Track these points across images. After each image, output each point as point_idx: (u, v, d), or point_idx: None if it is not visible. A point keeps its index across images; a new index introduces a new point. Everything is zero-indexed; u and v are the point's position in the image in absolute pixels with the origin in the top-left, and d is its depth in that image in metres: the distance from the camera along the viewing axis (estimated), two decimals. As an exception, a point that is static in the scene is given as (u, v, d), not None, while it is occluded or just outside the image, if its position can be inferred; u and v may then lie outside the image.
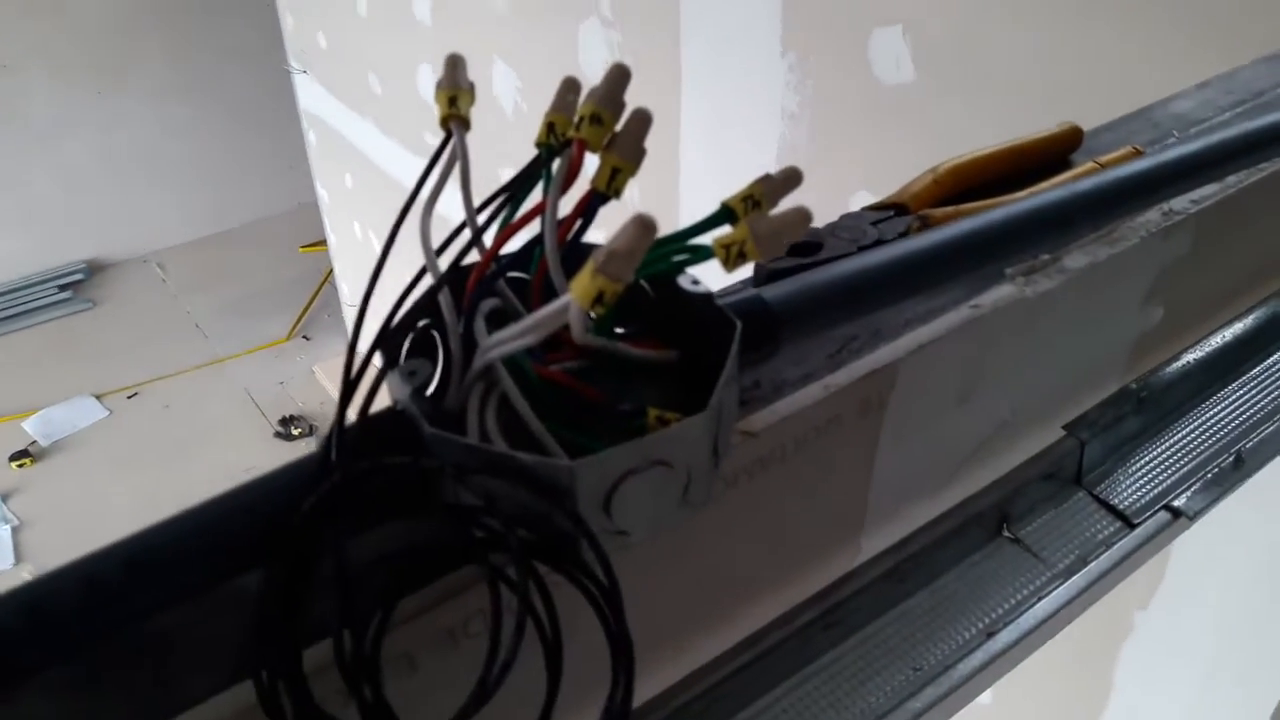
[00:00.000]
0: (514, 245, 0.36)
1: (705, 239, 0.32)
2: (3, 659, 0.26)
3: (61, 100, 4.48)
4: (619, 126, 0.33)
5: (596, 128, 0.32)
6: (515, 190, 0.35)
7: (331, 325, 4.38)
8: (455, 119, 0.35)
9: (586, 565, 0.30)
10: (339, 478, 0.29)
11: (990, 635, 0.46)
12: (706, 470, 0.32)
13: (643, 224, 0.25)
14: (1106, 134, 0.60)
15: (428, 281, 0.34)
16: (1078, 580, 0.48)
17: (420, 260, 0.35)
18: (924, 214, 0.48)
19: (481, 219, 0.35)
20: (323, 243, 4.25)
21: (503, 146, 2.52)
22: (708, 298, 0.34)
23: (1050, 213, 0.44)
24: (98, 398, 4.15)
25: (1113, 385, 0.55)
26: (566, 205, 0.34)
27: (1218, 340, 0.58)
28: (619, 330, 0.38)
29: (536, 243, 0.35)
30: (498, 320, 0.35)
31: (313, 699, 0.28)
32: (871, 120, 1.59)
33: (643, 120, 0.32)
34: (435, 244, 0.34)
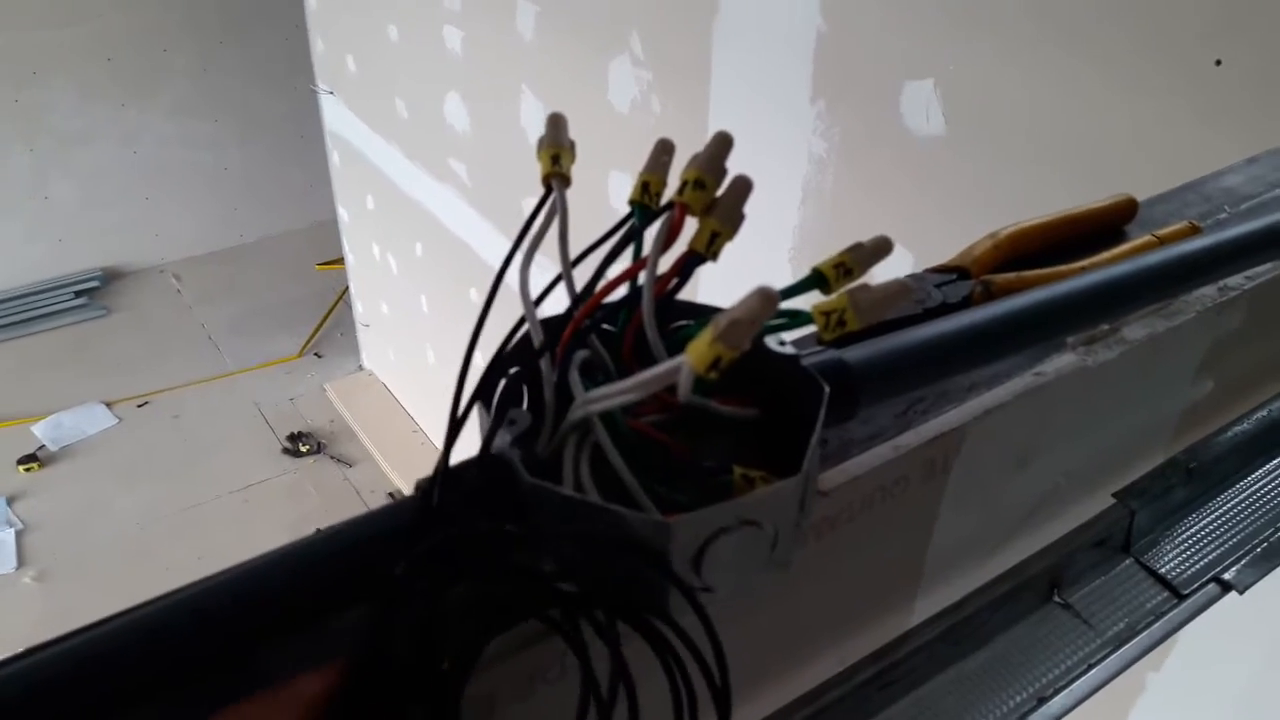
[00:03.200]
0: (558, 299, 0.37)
1: (798, 302, 0.33)
2: (119, 682, 0.27)
3: (86, 110, 4.52)
4: (719, 192, 0.34)
5: (699, 192, 0.33)
6: (612, 246, 0.36)
7: (344, 344, 4.39)
8: (557, 176, 0.36)
9: (677, 623, 0.30)
10: (441, 537, 0.30)
11: (1041, 701, 0.47)
12: (792, 531, 0.33)
13: (765, 296, 0.25)
14: (1160, 206, 0.61)
15: (522, 330, 0.35)
16: (1128, 650, 0.48)
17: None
18: (986, 279, 0.49)
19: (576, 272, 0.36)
20: (339, 261, 4.27)
21: (526, 175, 2.54)
22: (794, 359, 0.35)
23: (1118, 286, 0.45)
24: (108, 405, 4.15)
25: (1160, 454, 0.56)
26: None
27: (1265, 413, 0.59)
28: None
29: (624, 300, 0.36)
30: (587, 370, 0.36)
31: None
32: (898, 169, 1.60)
33: (744, 187, 0.33)
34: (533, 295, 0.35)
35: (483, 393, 0.35)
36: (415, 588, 0.29)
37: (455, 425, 0.32)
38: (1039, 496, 0.51)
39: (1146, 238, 0.54)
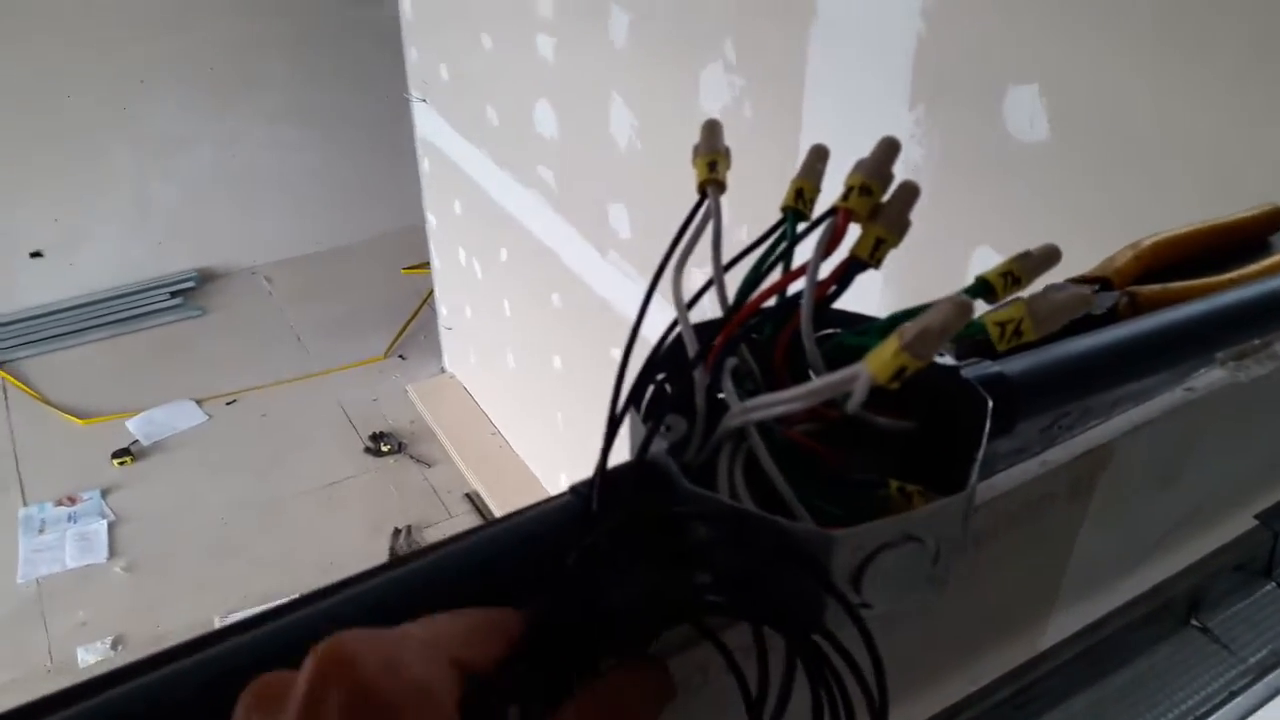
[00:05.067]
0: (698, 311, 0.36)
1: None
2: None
3: (187, 118, 4.68)
4: (884, 198, 0.33)
5: (865, 198, 0.33)
6: (763, 253, 0.35)
7: (427, 346, 4.46)
8: (713, 183, 0.36)
9: (838, 638, 0.30)
10: (606, 531, 0.30)
11: (1184, 728, 0.45)
12: (954, 548, 0.32)
13: (960, 306, 0.25)
14: (1307, 217, 0.59)
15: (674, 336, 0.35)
16: (1275, 679, 0.46)
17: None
18: (1132, 291, 0.48)
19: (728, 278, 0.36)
20: (425, 265, 4.34)
21: (613, 182, 2.56)
22: (953, 370, 0.35)
23: (1274, 300, 0.43)
24: (198, 402, 4.28)
25: (1306, 476, 0.54)
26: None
27: None
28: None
29: (772, 309, 0.36)
30: (736, 378, 0.36)
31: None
32: (997, 177, 1.57)
33: (911, 194, 0.33)
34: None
35: (634, 397, 0.35)
36: (586, 579, 0.29)
37: (613, 426, 0.32)
38: (1180, 516, 0.49)
39: (1298, 250, 0.52)
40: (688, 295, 0.35)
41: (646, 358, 0.35)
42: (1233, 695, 0.46)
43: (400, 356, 4.51)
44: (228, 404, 4.28)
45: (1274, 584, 0.51)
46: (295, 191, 5.03)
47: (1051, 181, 1.47)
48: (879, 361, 0.26)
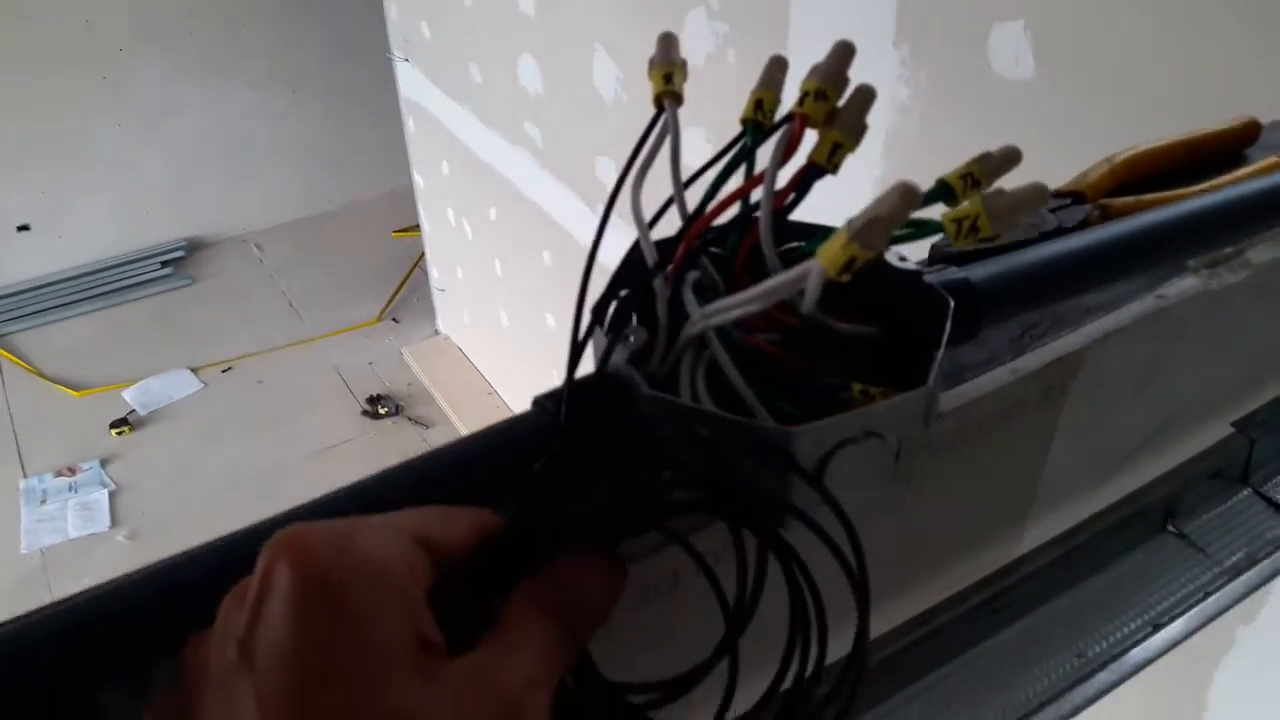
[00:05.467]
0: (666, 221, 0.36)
1: (926, 212, 0.32)
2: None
3: (170, 85, 4.63)
4: (840, 102, 0.33)
5: (820, 103, 0.33)
6: (726, 165, 0.35)
7: (420, 309, 4.45)
8: (670, 95, 0.35)
9: (808, 514, 0.30)
10: (572, 440, 0.30)
11: (1157, 628, 0.46)
12: (915, 445, 0.32)
13: (907, 191, 0.25)
14: (1281, 129, 0.58)
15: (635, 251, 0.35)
16: (1248, 578, 0.47)
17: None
18: (1104, 203, 0.48)
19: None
20: (415, 228, 4.32)
21: (599, 135, 2.54)
22: (916, 275, 0.35)
23: (1243, 207, 0.43)
24: (194, 371, 4.28)
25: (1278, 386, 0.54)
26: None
27: (1393, 343, 0.56)
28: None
29: (733, 222, 0.36)
30: (699, 291, 0.36)
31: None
32: (985, 115, 1.56)
33: (867, 97, 0.33)
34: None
35: (598, 313, 0.35)
36: (554, 484, 0.29)
37: (579, 342, 0.32)
38: (1156, 424, 0.49)
39: (1271, 159, 0.52)
40: (648, 212, 0.35)
41: (613, 273, 0.35)
42: (1207, 595, 0.47)
43: (394, 320, 4.51)
44: (223, 372, 4.28)
45: (1250, 490, 0.51)
46: (282, 157, 4.99)
47: (1038, 118, 1.46)
48: (829, 254, 0.26)
